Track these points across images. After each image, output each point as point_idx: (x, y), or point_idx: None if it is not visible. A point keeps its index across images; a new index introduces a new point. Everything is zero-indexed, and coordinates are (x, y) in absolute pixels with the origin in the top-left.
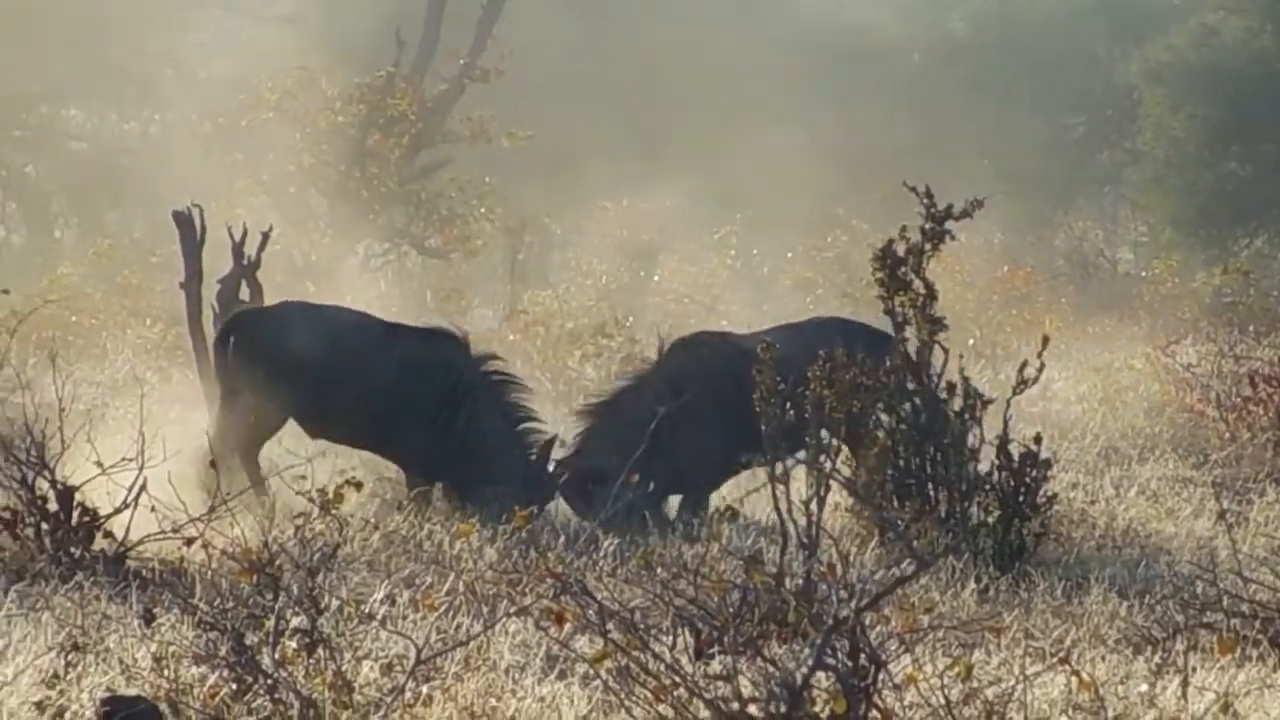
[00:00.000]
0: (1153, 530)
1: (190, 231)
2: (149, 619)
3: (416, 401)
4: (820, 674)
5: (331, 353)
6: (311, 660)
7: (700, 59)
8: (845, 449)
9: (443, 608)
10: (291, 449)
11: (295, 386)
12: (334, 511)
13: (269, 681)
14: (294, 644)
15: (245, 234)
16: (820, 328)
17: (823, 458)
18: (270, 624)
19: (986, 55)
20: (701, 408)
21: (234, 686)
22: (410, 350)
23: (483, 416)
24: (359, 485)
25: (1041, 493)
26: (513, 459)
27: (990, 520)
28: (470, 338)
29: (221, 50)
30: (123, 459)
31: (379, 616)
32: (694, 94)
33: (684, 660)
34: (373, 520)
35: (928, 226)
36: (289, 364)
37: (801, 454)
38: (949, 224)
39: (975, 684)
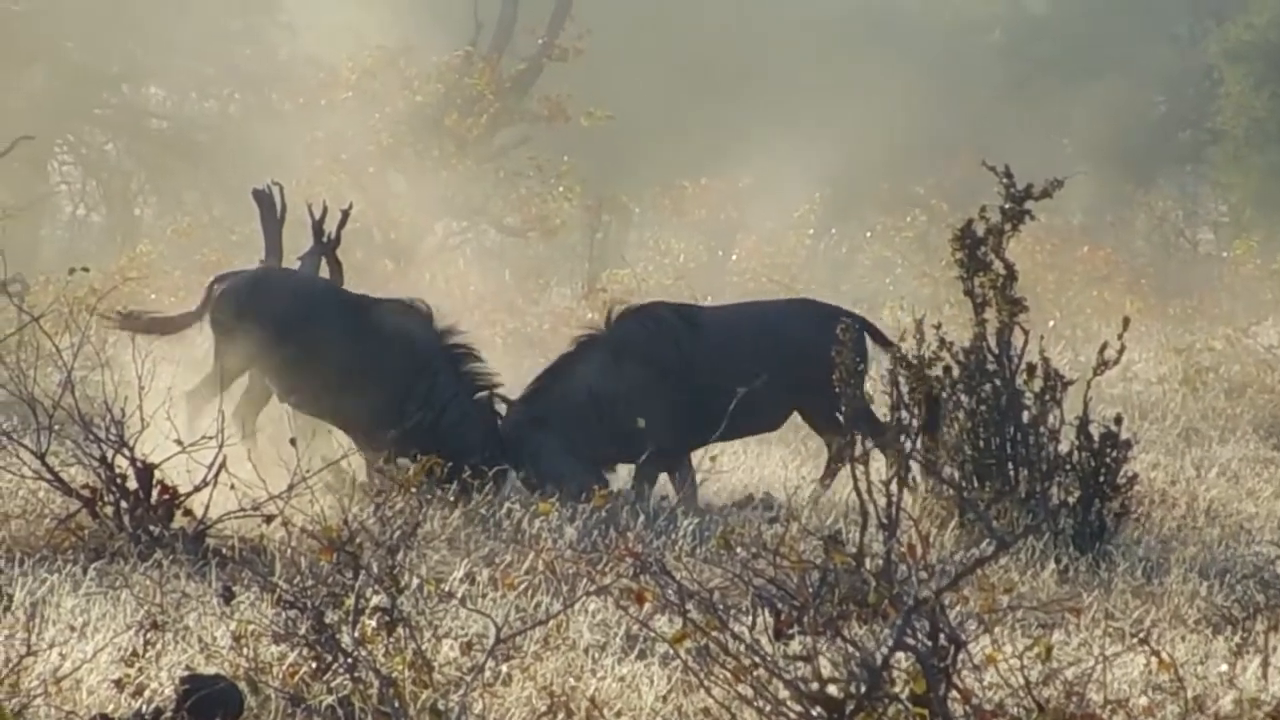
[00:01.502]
0: (1233, 510)
1: (270, 209)
2: (228, 597)
3: (378, 373)
4: (900, 654)
5: (296, 318)
6: (391, 639)
7: (779, 36)
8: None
9: (522, 586)
10: None
11: (262, 349)
12: (414, 489)
13: (348, 660)
14: (374, 622)
15: (325, 212)
16: (788, 308)
17: (902, 438)
18: (350, 602)
19: (1066, 34)
20: (644, 379)
21: (313, 665)
22: (374, 321)
23: (443, 387)
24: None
25: (1121, 473)
26: (469, 427)
27: (1070, 501)
28: (434, 311)
29: (302, 29)
30: (202, 436)
31: (459, 595)
32: (773, 71)
33: (763, 640)
34: (452, 498)
35: (1007, 206)
36: (255, 325)
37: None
38: (1029, 204)
39: (1055, 664)
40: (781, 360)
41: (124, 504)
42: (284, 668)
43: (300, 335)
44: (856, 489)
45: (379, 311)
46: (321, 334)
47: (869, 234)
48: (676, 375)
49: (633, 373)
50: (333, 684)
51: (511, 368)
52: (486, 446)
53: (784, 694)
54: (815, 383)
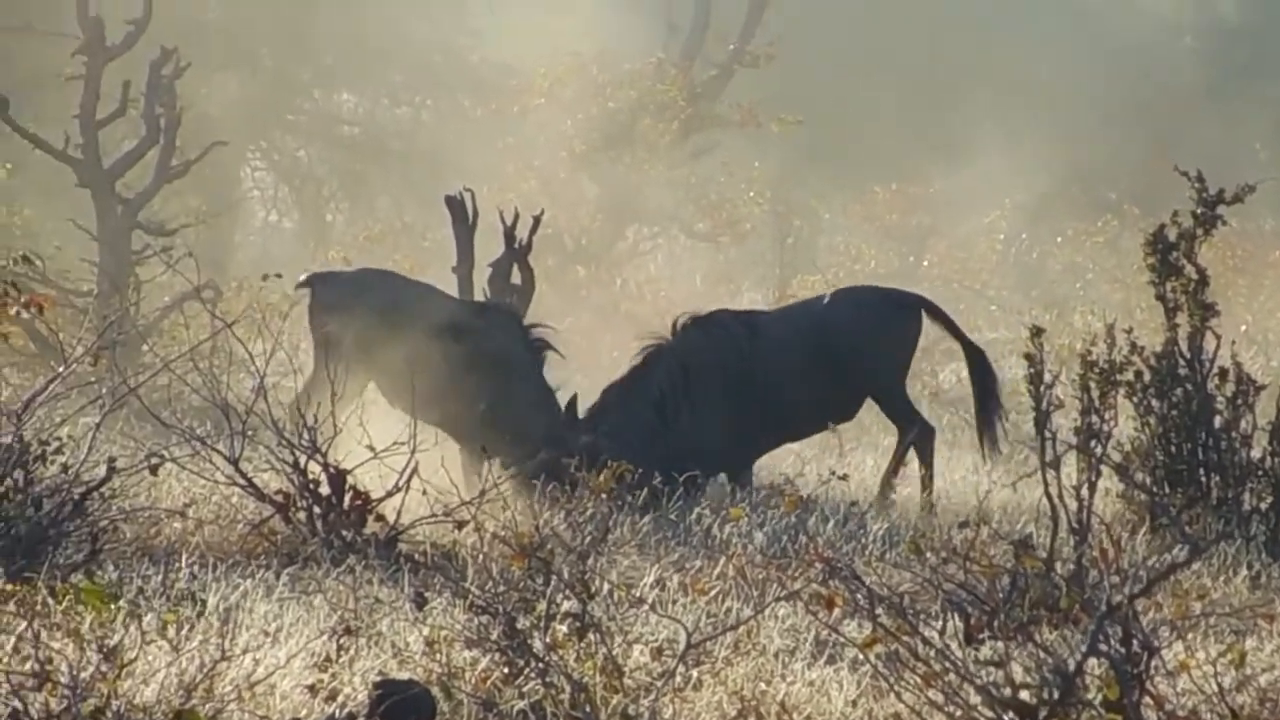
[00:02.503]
0: None
1: (462, 216)
2: (420, 603)
3: (466, 375)
4: (1093, 660)
5: (395, 318)
6: (582, 644)
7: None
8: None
9: (713, 592)
10: None
11: (361, 350)
12: (604, 495)
13: (540, 665)
14: (565, 628)
15: (517, 218)
16: (833, 298)
17: (1093, 443)
18: (541, 608)
19: (1259, 38)
20: (710, 387)
21: (505, 670)
22: (466, 322)
23: (521, 380)
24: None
25: None
26: (538, 421)
27: (1262, 507)
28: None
29: (493, 36)
30: (394, 443)
31: (649, 600)
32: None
33: (954, 645)
34: (641, 504)
35: (1199, 211)
36: (355, 325)
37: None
38: (1220, 209)
39: (1248, 671)
40: (831, 351)
41: (317, 509)
42: (476, 673)
43: (393, 336)
44: (1047, 493)
45: (469, 311)
46: (413, 335)
47: (1060, 239)
48: (740, 382)
49: (698, 383)
50: (524, 689)
51: None
52: (549, 439)
53: (975, 699)
54: (862, 369)
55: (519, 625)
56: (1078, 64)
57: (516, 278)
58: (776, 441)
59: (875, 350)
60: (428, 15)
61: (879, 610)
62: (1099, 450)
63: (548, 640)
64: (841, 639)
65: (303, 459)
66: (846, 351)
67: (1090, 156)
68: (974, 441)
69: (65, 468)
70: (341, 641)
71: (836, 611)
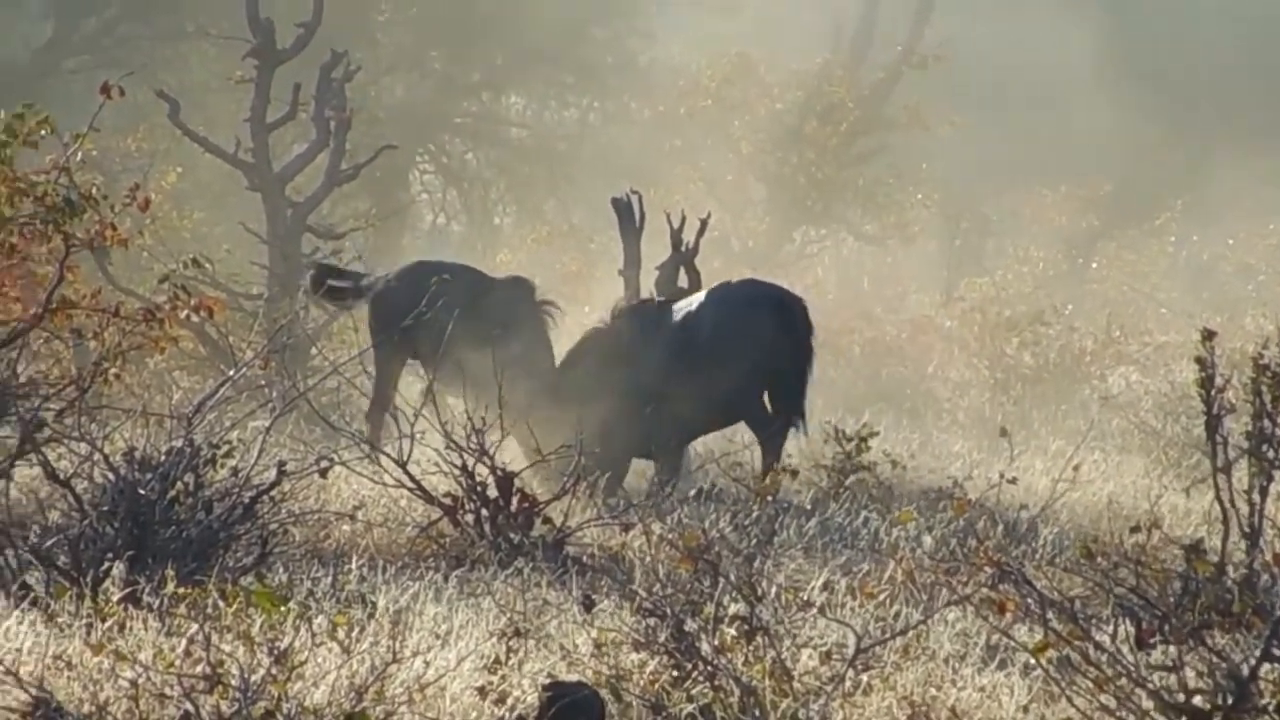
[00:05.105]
0: None
1: (629, 218)
2: (589, 605)
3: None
4: (1267, 665)
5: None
6: (750, 647)
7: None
8: None
9: (881, 596)
10: (728, 436)
11: (410, 339)
12: (770, 498)
13: (708, 668)
14: (733, 631)
15: (684, 221)
16: (708, 295)
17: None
18: (709, 610)
19: None
20: (632, 371)
21: (673, 673)
22: (498, 296)
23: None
24: (794, 472)
25: None
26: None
27: None
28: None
29: (662, 37)
30: (562, 445)
31: (818, 604)
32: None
33: (1125, 650)
34: (808, 507)
35: None
36: (399, 318)
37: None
38: None
39: None
40: (706, 349)
41: (484, 512)
42: (644, 675)
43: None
44: (1219, 498)
45: (499, 286)
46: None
47: (1231, 241)
48: (653, 369)
49: (623, 366)
50: (693, 692)
51: (869, 376)
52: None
53: (1148, 704)
54: (731, 371)
55: (687, 628)
56: (1260, 67)
57: (683, 280)
58: (692, 430)
59: (727, 346)
60: (599, 17)
61: (1050, 615)
62: (1271, 454)
63: (716, 643)
64: (1013, 644)
65: (470, 462)
66: (707, 346)
67: (1266, 160)
68: (1144, 446)
69: (235, 471)
70: (510, 644)
71: (1008, 616)
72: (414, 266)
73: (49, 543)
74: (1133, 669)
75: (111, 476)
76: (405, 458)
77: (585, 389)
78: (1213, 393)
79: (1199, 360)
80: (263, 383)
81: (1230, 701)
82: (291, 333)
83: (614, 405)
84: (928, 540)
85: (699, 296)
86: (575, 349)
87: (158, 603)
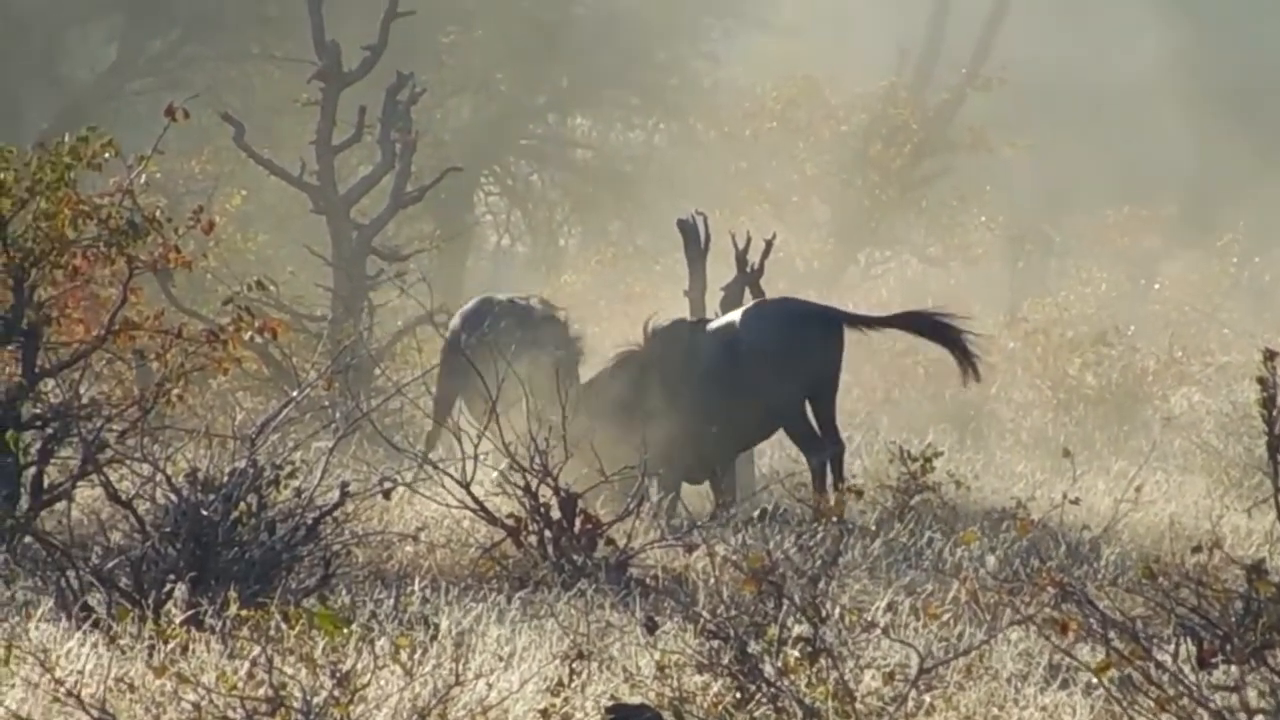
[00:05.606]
0: None
1: (694, 240)
2: (652, 627)
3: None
4: None
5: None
6: (814, 669)
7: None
8: None
9: (944, 616)
10: (794, 457)
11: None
12: (835, 519)
13: (772, 690)
14: (796, 652)
15: (749, 242)
16: (744, 313)
17: None
18: (773, 632)
19: None
20: (669, 392)
21: (737, 695)
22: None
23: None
24: (859, 493)
25: None
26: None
27: None
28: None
29: (728, 59)
30: (625, 467)
31: (881, 625)
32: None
33: (1187, 670)
34: (873, 527)
35: None
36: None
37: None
38: None
39: None
40: (744, 366)
41: (548, 533)
42: (708, 697)
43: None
44: None
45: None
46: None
47: None
48: (689, 388)
49: (660, 386)
50: (756, 714)
51: (933, 398)
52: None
53: None
54: (769, 388)
55: (750, 649)
56: None
57: (749, 301)
58: (733, 449)
59: (770, 364)
60: (664, 39)
61: (1112, 635)
62: None
63: (779, 664)
64: (1075, 663)
65: (534, 483)
66: (750, 364)
67: None
68: (1206, 466)
69: (298, 492)
70: (573, 666)
71: (1070, 636)
72: (477, 303)
73: (111, 564)
74: (1194, 689)
75: (174, 497)
76: (469, 479)
77: (617, 410)
78: (1274, 413)
79: (1260, 380)
80: (326, 403)
81: None
82: (355, 354)
83: (658, 426)
84: (991, 560)
85: (734, 315)
86: (605, 370)
87: (220, 625)
